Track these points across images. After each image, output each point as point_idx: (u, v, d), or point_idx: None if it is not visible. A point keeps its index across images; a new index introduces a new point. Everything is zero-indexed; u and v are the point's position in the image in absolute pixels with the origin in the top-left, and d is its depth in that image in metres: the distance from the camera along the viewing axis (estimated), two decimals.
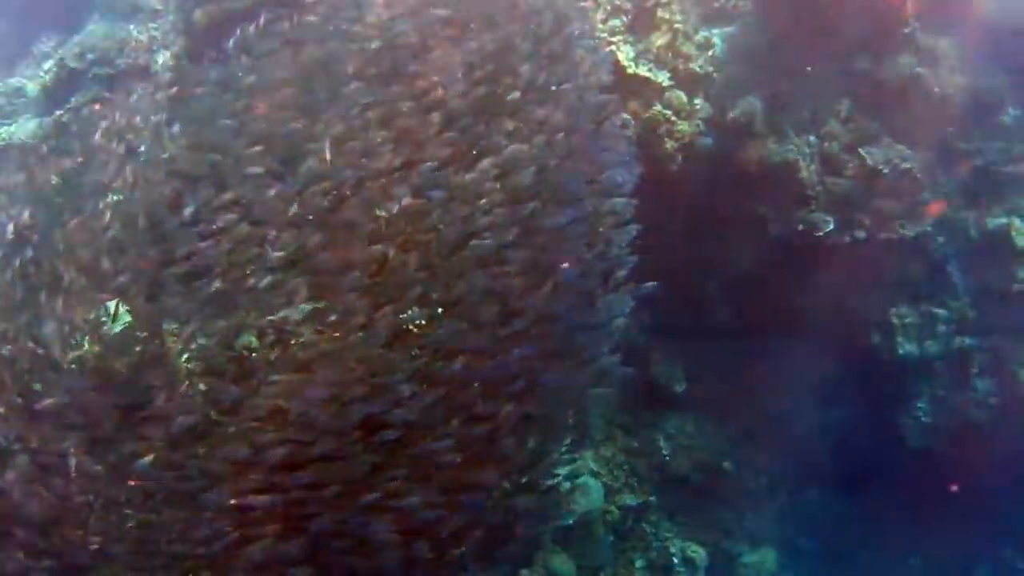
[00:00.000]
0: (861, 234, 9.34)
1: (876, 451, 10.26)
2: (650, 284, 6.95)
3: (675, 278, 9.98)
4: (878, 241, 9.37)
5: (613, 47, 9.10)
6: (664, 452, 10.12)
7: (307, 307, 6.09)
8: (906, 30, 10.06)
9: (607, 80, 7.51)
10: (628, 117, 9.06)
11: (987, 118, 10.35)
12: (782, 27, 9.71)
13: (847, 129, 9.70)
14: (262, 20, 7.36)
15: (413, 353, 5.83)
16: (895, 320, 9.80)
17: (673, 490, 10.19)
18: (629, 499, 9.87)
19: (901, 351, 9.82)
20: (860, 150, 9.43)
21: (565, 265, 6.34)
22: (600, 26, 9.17)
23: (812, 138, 9.62)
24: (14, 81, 11.96)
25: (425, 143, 6.22)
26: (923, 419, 10.05)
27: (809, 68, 9.71)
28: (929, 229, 9.66)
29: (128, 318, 6.15)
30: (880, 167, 9.32)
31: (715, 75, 9.60)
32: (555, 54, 7.05)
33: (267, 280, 5.89)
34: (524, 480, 6.54)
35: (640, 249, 7.96)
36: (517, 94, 6.60)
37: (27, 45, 12.63)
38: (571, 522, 9.25)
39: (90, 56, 10.56)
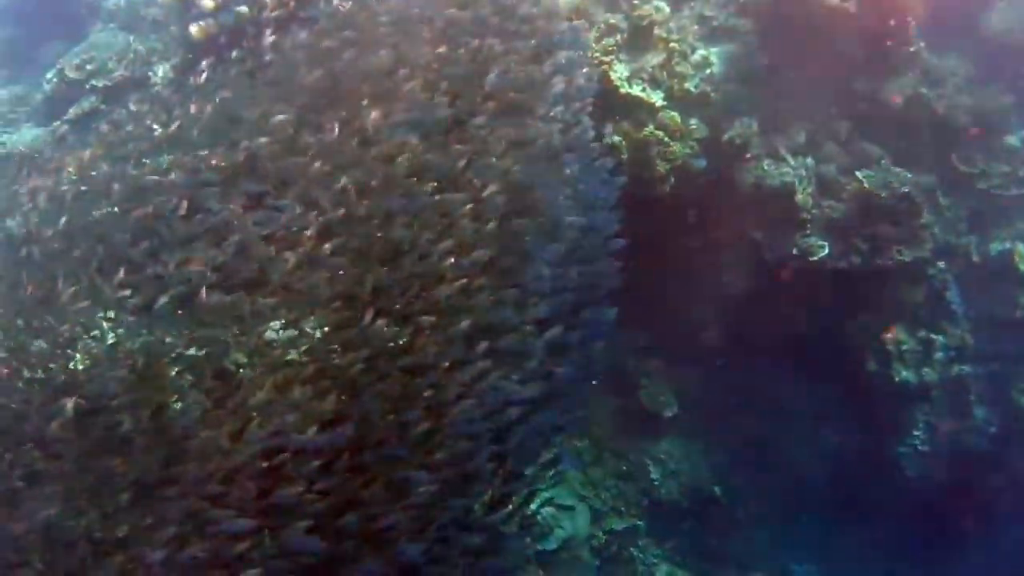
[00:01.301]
0: (857, 260, 9.18)
1: (871, 478, 10.05)
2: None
3: (666, 301, 9.98)
4: (875, 266, 9.21)
5: (605, 66, 9.00)
6: (653, 476, 10.01)
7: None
8: (911, 49, 9.91)
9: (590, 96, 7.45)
10: (618, 137, 9.02)
11: (992, 140, 10.17)
12: (782, 46, 9.58)
13: (845, 151, 9.56)
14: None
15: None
16: (891, 347, 9.61)
17: (662, 515, 10.06)
18: (616, 523, 9.76)
19: (898, 378, 9.61)
20: (857, 173, 9.26)
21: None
22: (593, 45, 9.07)
23: (809, 160, 9.46)
24: (18, 89, 12.04)
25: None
26: (920, 447, 9.84)
27: (808, 88, 9.61)
28: (928, 255, 9.46)
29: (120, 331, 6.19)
30: (878, 191, 9.15)
31: (712, 95, 9.42)
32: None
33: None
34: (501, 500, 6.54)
35: (630, 270, 7.98)
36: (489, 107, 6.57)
37: (33, 52, 12.73)
38: (555, 546, 9.19)
39: (89, 67, 10.60)
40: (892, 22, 9.67)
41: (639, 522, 9.91)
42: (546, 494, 7.42)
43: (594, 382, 7.52)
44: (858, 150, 9.55)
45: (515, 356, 6.27)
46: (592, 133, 7.36)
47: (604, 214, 7.16)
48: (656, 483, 9.98)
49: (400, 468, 5.74)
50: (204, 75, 7.64)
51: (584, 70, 7.44)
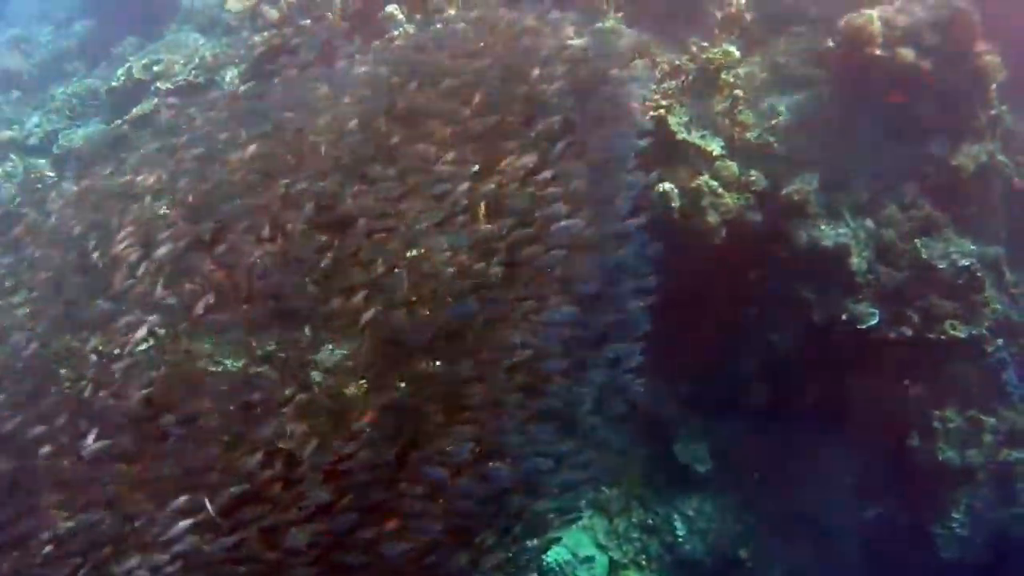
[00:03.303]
0: (907, 331, 8.82)
1: (906, 556, 9.66)
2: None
3: (710, 353, 9.72)
4: (925, 340, 8.83)
5: (663, 110, 8.77)
6: (679, 532, 9.75)
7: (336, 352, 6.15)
8: (991, 112, 9.50)
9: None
10: (670, 185, 8.78)
11: None
12: (854, 100, 9.27)
13: (908, 216, 9.19)
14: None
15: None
16: (937, 424, 9.20)
17: (682, 573, 9.79)
18: None
19: (941, 457, 9.20)
20: (916, 241, 8.89)
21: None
22: (653, 87, 8.84)
23: (869, 223, 9.13)
24: (90, 82, 12.25)
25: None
26: (958, 530, 9.41)
27: (877, 146, 9.26)
28: (985, 331, 9.04)
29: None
30: (936, 261, 8.77)
31: (775, 146, 9.16)
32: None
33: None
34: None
35: (675, 320, 7.76)
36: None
37: (110, 46, 12.94)
38: None
39: (156, 68, 10.73)
40: (971, 83, 9.32)
41: None
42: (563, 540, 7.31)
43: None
44: (923, 215, 9.16)
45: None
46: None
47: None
48: (681, 539, 9.72)
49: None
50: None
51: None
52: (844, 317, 8.91)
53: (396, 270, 5.98)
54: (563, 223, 6.14)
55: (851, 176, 9.26)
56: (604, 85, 7.06)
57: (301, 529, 5.53)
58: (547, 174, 6.30)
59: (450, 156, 6.15)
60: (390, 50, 7.61)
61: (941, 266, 8.77)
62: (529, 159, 6.30)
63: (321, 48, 8.87)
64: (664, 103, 8.80)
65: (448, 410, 5.92)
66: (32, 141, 11.65)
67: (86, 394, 5.79)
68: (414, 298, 6.02)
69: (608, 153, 6.90)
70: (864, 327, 8.82)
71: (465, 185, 6.06)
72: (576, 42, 7.16)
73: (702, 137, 8.95)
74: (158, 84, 10.56)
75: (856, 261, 8.91)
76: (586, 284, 6.37)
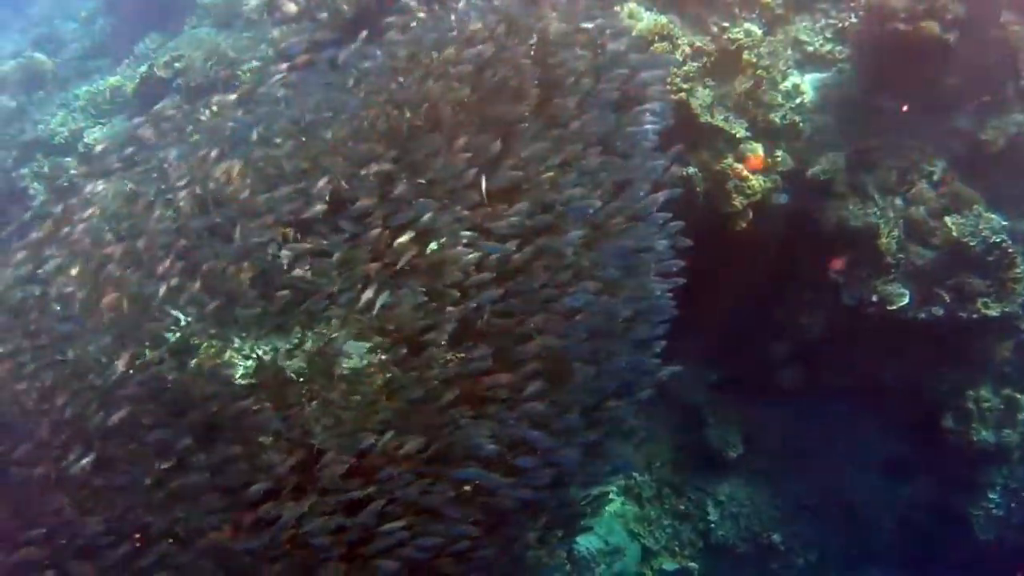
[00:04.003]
0: (939, 311, 8.68)
1: (941, 535, 9.58)
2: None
3: (740, 337, 9.62)
4: (958, 319, 8.70)
5: (684, 93, 8.65)
6: (712, 518, 9.70)
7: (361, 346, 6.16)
8: (1020, 83, 9.29)
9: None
10: (694, 168, 8.67)
11: None
12: (879, 76, 9.09)
13: (938, 193, 9.02)
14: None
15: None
16: (971, 404, 9.08)
17: (716, 558, 9.75)
18: (667, 564, 9.50)
19: (976, 437, 9.08)
20: (947, 219, 8.73)
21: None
22: (674, 70, 8.72)
23: (898, 201, 8.99)
24: (114, 79, 12.29)
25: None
26: (994, 511, 9.32)
27: (904, 123, 9.10)
28: (1019, 309, 8.86)
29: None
30: (967, 239, 8.61)
31: (801, 126, 9.03)
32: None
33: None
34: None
35: (705, 304, 7.68)
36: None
37: (133, 42, 12.97)
38: None
39: (177, 65, 10.73)
40: (998, 55, 9.13)
41: (692, 564, 9.63)
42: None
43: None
44: (953, 192, 8.98)
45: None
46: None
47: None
48: (714, 525, 9.68)
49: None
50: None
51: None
52: (874, 298, 8.80)
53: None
54: (580, 203, 6.14)
55: (877, 155, 9.12)
56: (620, 67, 7.01)
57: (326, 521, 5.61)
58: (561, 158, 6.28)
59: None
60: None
61: (972, 243, 8.60)
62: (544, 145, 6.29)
63: None
64: (685, 86, 8.70)
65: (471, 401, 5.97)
66: (58, 140, 11.74)
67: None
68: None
69: (628, 137, 6.88)
70: (895, 307, 8.73)
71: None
72: (588, 24, 7.09)
73: (725, 119, 8.84)
74: (179, 81, 10.62)
75: (885, 241, 8.78)
76: (607, 268, 6.37)
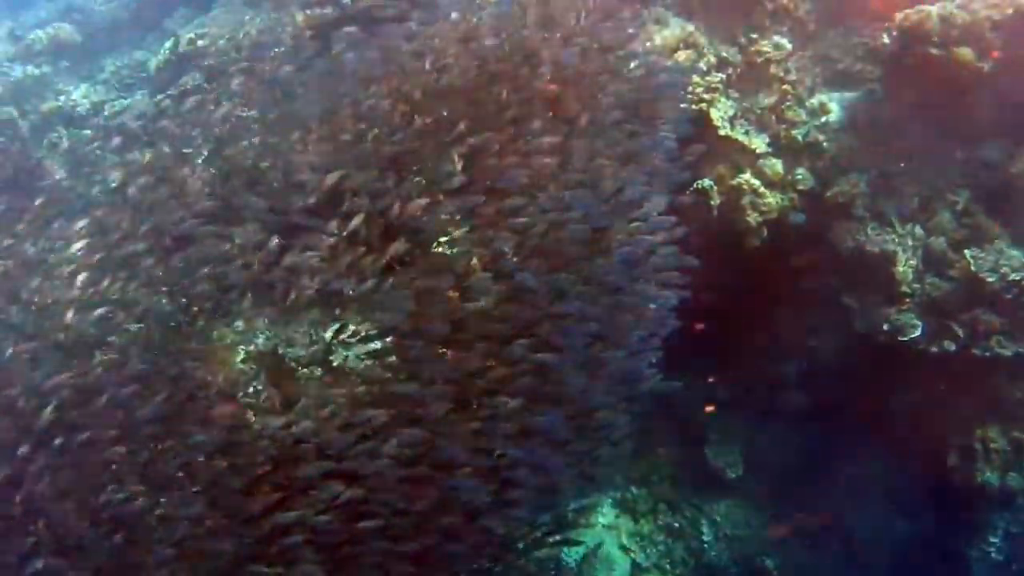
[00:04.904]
0: (951, 346, 8.45)
1: (937, 574, 9.36)
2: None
3: (749, 356, 9.45)
4: (970, 356, 8.47)
5: (705, 104, 8.48)
6: (705, 538, 9.52)
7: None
8: None
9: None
10: (710, 182, 8.51)
11: None
12: (909, 99, 8.86)
13: (960, 224, 8.78)
14: None
15: None
16: (978, 444, 8.83)
17: None
18: None
19: (980, 478, 8.81)
20: (966, 252, 8.49)
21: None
22: (697, 79, 8.55)
23: (918, 229, 8.75)
24: (140, 54, 12.26)
25: None
26: (993, 555, 9.08)
27: (931, 149, 8.86)
28: None
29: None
30: (985, 274, 8.37)
31: (824, 145, 8.84)
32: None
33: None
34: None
35: (714, 323, 7.56)
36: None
37: (162, 17, 12.93)
38: None
39: (200, 43, 10.67)
40: None
41: None
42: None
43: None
44: (975, 224, 8.73)
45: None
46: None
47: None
48: (707, 545, 9.51)
49: None
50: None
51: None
52: (886, 327, 8.60)
53: None
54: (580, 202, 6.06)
55: (900, 181, 8.89)
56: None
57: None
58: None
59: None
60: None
61: (990, 279, 8.37)
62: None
63: None
64: (707, 96, 8.54)
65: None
66: (79, 111, 11.73)
67: None
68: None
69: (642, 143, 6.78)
70: (906, 339, 8.51)
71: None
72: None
73: (746, 133, 8.67)
74: (201, 59, 10.54)
75: (902, 269, 8.56)
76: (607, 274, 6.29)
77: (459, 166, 6.05)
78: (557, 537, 7.11)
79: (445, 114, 6.31)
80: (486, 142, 6.10)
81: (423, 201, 5.92)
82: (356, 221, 5.94)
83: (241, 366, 6.06)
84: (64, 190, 9.67)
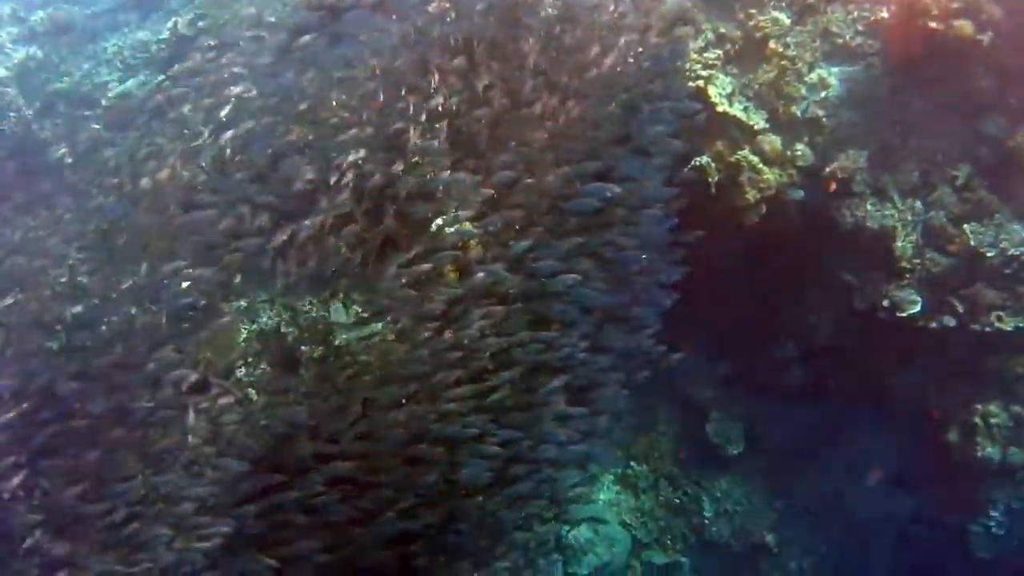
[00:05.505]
0: (951, 321, 8.43)
1: (939, 550, 9.39)
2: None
3: (750, 334, 9.44)
4: (970, 331, 8.45)
5: (702, 81, 8.45)
6: (706, 513, 9.56)
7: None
8: None
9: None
10: (707, 158, 8.48)
11: None
12: (908, 74, 8.80)
13: (960, 199, 8.74)
14: None
15: None
16: (978, 419, 8.83)
17: (707, 555, 9.63)
18: (657, 557, 9.39)
19: (980, 453, 8.81)
20: (966, 227, 8.45)
21: None
22: (695, 56, 8.51)
23: (918, 204, 8.71)
24: (141, 35, 12.22)
25: None
26: (994, 529, 9.08)
27: (930, 123, 8.81)
28: None
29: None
30: (985, 249, 8.34)
31: (824, 120, 8.78)
32: None
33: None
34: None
35: (715, 300, 7.54)
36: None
37: None
38: (586, 572, 8.90)
39: (201, 24, 10.67)
40: None
41: (683, 559, 9.51)
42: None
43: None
44: (975, 199, 8.69)
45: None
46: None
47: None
48: (707, 521, 9.55)
49: None
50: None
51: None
52: (885, 303, 8.58)
53: None
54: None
55: (900, 155, 8.84)
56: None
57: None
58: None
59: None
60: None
61: (990, 254, 8.33)
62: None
63: None
64: (704, 73, 8.51)
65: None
66: (82, 92, 11.73)
67: None
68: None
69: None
70: (905, 314, 8.49)
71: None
72: None
73: (744, 109, 8.63)
74: (202, 39, 10.52)
75: (901, 245, 8.53)
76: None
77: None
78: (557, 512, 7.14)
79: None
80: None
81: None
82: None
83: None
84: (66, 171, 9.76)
